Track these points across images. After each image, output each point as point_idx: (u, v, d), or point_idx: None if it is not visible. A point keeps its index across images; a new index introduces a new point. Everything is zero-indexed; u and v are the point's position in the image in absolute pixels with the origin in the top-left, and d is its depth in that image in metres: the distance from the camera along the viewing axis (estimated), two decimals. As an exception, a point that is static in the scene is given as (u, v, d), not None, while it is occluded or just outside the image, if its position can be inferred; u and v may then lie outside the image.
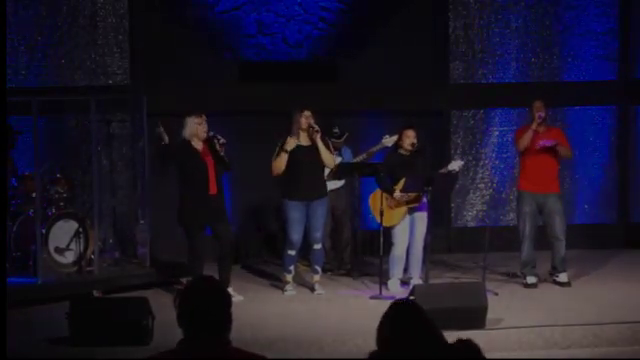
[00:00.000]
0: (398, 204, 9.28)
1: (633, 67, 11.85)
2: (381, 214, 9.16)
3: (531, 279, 9.52)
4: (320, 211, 9.28)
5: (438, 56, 11.72)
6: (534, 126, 9.39)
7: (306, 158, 9.16)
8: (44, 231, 9.19)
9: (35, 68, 10.93)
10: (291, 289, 9.37)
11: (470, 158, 11.59)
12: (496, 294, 8.97)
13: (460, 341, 3.80)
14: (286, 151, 9.08)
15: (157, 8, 11.23)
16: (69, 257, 9.46)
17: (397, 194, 9.22)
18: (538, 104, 9.46)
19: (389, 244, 9.41)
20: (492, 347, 7.49)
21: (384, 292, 9.14)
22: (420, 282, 9.11)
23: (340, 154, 10.20)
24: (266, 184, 10.49)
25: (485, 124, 11.80)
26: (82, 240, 9.45)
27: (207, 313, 3.47)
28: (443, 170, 9.45)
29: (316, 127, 9.13)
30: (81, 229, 9.46)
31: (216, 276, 8.60)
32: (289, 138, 9.10)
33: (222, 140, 8.83)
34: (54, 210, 9.46)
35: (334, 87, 11.38)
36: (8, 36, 10.49)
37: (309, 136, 9.18)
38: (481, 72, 11.73)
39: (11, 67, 10.64)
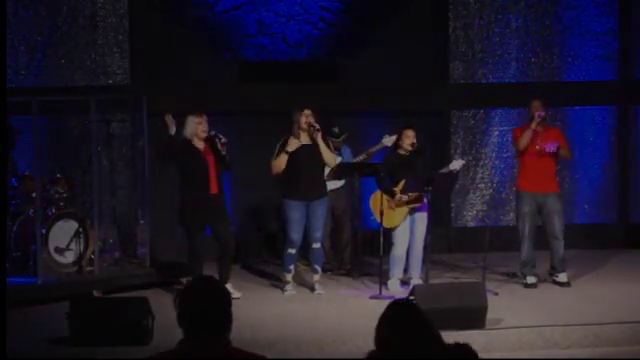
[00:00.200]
0: (399, 205, 9.28)
1: (633, 67, 11.85)
2: (381, 215, 9.16)
3: (531, 279, 9.52)
4: (320, 211, 9.28)
5: (438, 56, 11.72)
6: (533, 125, 9.38)
7: (306, 158, 9.16)
8: (44, 231, 9.19)
9: (35, 68, 10.93)
10: (291, 289, 9.37)
11: (470, 158, 11.59)
12: (496, 294, 8.97)
13: (458, 345, 3.82)
14: (287, 152, 9.08)
15: (157, 8, 11.24)
16: (69, 257, 9.46)
17: (398, 195, 9.22)
18: (537, 103, 9.46)
19: (389, 244, 9.41)
20: (492, 347, 7.50)
21: (384, 292, 9.13)
22: (420, 282, 9.11)
23: (340, 154, 10.20)
24: (266, 184, 10.49)
25: (485, 124, 11.80)
26: (82, 240, 9.45)
27: (207, 313, 3.47)
28: (444, 170, 9.46)
29: (317, 126, 9.13)
30: (81, 229, 9.46)
31: (216, 276, 8.62)
32: (292, 139, 9.10)
33: (223, 139, 8.83)
34: (54, 210, 9.46)
35: (334, 87, 11.39)
36: (8, 36, 10.49)
37: (309, 135, 9.19)
38: (481, 72, 11.73)
39: (11, 67, 10.64)
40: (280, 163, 9.14)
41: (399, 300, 4.08)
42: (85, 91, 10.56)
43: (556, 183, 9.70)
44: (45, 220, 9.26)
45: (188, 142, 8.89)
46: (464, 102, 11.73)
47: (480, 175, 11.77)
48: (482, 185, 11.78)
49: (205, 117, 8.90)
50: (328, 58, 11.53)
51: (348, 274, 10.21)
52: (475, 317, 7.70)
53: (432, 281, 9.06)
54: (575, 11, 11.76)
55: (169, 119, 8.84)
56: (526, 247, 9.52)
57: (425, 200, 9.17)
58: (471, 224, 11.77)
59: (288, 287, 9.37)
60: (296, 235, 9.21)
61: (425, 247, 9.24)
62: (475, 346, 3.91)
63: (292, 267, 9.39)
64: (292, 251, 9.27)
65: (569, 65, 11.81)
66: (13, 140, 9.71)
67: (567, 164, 11.28)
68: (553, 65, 11.79)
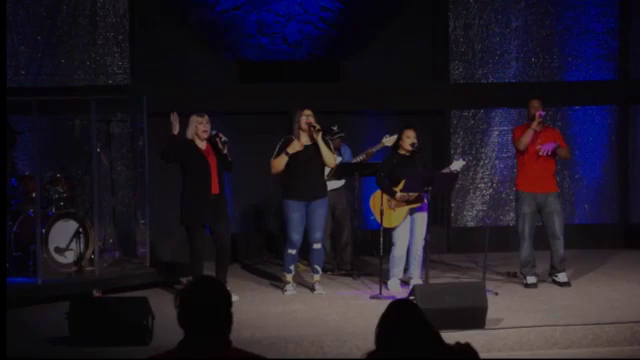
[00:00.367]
0: (399, 205, 9.28)
1: (633, 67, 11.85)
2: (381, 215, 9.17)
3: (531, 279, 9.52)
4: (320, 211, 9.28)
5: (438, 56, 11.72)
6: (534, 125, 9.37)
7: (306, 158, 9.16)
8: (44, 231, 9.19)
9: (35, 68, 10.93)
10: (291, 289, 9.37)
11: (470, 158, 11.59)
12: (496, 294, 8.97)
13: (459, 344, 3.83)
14: (287, 153, 9.08)
15: (157, 8, 11.24)
16: (69, 257, 9.47)
17: (398, 195, 9.22)
18: (536, 103, 9.45)
19: (389, 244, 9.41)
20: (492, 347, 7.51)
21: (384, 292, 9.14)
22: (420, 282, 9.11)
23: (340, 153, 10.21)
24: (266, 184, 10.51)
25: (485, 124, 11.80)
26: (82, 240, 9.46)
27: (207, 313, 3.47)
28: (445, 170, 9.46)
29: (317, 126, 9.13)
30: (81, 229, 9.46)
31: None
32: (295, 142, 9.09)
33: (224, 138, 8.84)
34: (54, 210, 9.47)
35: (334, 87, 11.39)
36: (8, 36, 10.49)
37: (310, 135, 9.19)
38: (481, 72, 11.73)
39: (11, 67, 10.64)
40: (279, 163, 9.14)
41: (399, 300, 4.09)
42: (85, 91, 10.56)
43: (556, 183, 9.70)
44: (45, 220, 9.26)
45: (190, 142, 8.90)
46: (464, 102, 11.73)
47: (480, 175, 11.77)
48: (482, 185, 11.78)
49: (207, 117, 8.91)
50: (328, 58, 11.53)
51: (348, 274, 10.21)
52: (475, 317, 7.70)
53: (432, 281, 9.06)
54: (575, 11, 11.76)
55: (174, 118, 8.83)
56: (526, 247, 9.52)
57: (425, 200, 9.17)
58: (471, 224, 11.77)
59: (288, 287, 9.37)
60: (296, 235, 9.22)
61: (425, 247, 9.24)
62: (475, 346, 3.92)
63: (292, 267, 9.39)
64: (292, 251, 9.28)
65: (569, 65, 11.81)
66: (13, 140, 9.71)
67: (567, 164, 11.28)
68: (553, 65, 11.79)
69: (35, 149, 9.35)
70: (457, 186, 10.78)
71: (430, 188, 8.91)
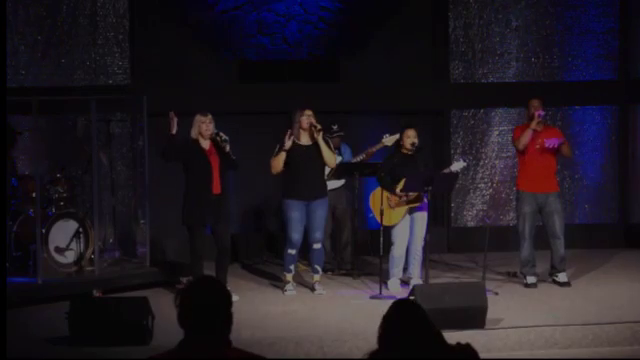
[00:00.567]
0: (399, 204, 9.28)
1: (633, 67, 11.84)
2: (381, 213, 9.17)
3: (531, 279, 9.52)
4: (320, 211, 9.29)
5: (438, 56, 11.72)
6: (533, 125, 9.38)
7: (306, 158, 9.17)
8: (44, 231, 9.19)
9: (35, 68, 10.92)
10: (291, 289, 9.37)
11: (470, 158, 11.58)
12: (496, 294, 8.97)
13: (459, 345, 3.83)
14: (284, 150, 9.09)
15: (157, 8, 11.23)
16: (69, 257, 9.47)
17: (398, 194, 9.23)
18: (536, 102, 9.45)
19: (389, 244, 9.41)
20: (492, 347, 7.51)
21: (384, 292, 9.14)
22: (420, 282, 9.11)
23: (340, 153, 10.21)
24: (266, 184, 10.51)
25: (485, 124, 11.79)
26: (82, 240, 9.46)
27: (207, 313, 3.47)
28: (445, 171, 9.46)
29: (319, 126, 9.14)
30: (81, 229, 9.47)
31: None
32: (286, 138, 9.10)
33: (224, 137, 8.86)
34: (54, 210, 9.46)
35: (334, 87, 11.38)
36: (8, 36, 10.49)
37: (310, 135, 9.19)
38: (481, 72, 11.73)
39: (11, 67, 10.63)
40: (278, 162, 9.15)
41: (402, 300, 4.09)
42: (85, 91, 10.55)
43: (556, 183, 9.70)
44: (45, 220, 9.26)
45: (194, 142, 8.91)
46: (464, 102, 11.73)
47: (480, 175, 11.77)
48: (482, 185, 11.78)
49: (210, 117, 8.93)
50: (328, 58, 11.52)
51: (348, 274, 10.21)
52: (475, 317, 7.70)
53: (432, 281, 9.06)
54: (575, 11, 11.76)
55: (172, 117, 8.83)
56: (526, 247, 9.52)
57: (425, 200, 9.17)
58: (471, 224, 11.77)
59: (288, 287, 9.37)
60: (296, 235, 9.22)
61: (425, 247, 9.24)
62: (475, 346, 3.92)
63: (292, 267, 9.39)
64: (292, 251, 9.28)
65: (569, 65, 11.80)
66: (13, 140, 9.71)
67: (567, 164, 11.27)
68: (553, 65, 11.78)
69: (35, 149, 9.34)
70: (457, 186, 10.78)
71: (430, 188, 8.91)
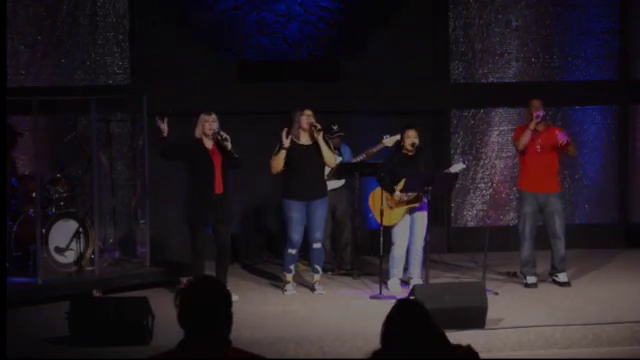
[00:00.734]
0: (398, 204, 9.29)
1: (633, 67, 11.84)
2: (381, 213, 9.17)
3: (531, 279, 9.52)
4: (320, 211, 9.29)
5: (438, 56, 11.71)
6: (532, 126, 9.38)
7: (306, 158, 9.17)
8: (44, 231, 9.19)
9: (35, 68, 10.92)
10: (291, 289, 9.37)
11: (470, 158, 11.58)
12: (496, 294, 8.97)
13: (460, 346, 3.84)
14: (284, 148, 9.09)
15: (157, 8, 11.23)
16: (69, 257, 9.47)
17: (397, 194, 9.23)
18: (537, 103, 9.44)
19: (389, 244, 9.41)
20: (492, 347, 7.51)
21: (384, 292, 9.15)
22: (420, 282, 9.11)
23: (340, 153, 10.21)
24: (266, 184, 10.51)
25: (485, 124, 11.79)
26: (82, 240, 9.46)
27: (207, 313, 3.47)
28: (445, 171, 9.46)
29: (319, 126, 9.14)
30: (81, 229, 9.47)
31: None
32: (284, 136, 9.09)
33: (225, 135, 8.86)
34: (54, 210, 9.46)
35: (334, 87, 11.38)
36: (8, 36, 10.49)
37: (310, 135, 9.19)
38: (481, 72, 11.73)
39: (11, 67, 10.63)
40: (278, 161, 9.15)
41: (406, 299, 4.10)
42: (85, 91, 10.55)
43: (557, 183, 9.70)
44: (45, 220, 9.26)
45: (198, 141, 8.92)
46: (464, 102, 11.73)
47: (480, 175, 11.77)
48: (482, 185, 11.78)
49: (214, 116, 8.94)
50: (328, 58, 11.52)
51: (348, 274, 10.21)
52: (475, 317, 7.70)
53: (432, 281, 9.06)
54: (575, 11, 11.75)
55: (160, 123, 8.84)
56: (527, 247, 9.52)
57: (425, 200, 9.17)
58: (471, 224, 11.76)
59: (288, 287, 9.38)
60: (296, 235, 9.22)
61: (425, 247, 9.24)
62: (475, 346, 3.93)
63: (292, 267, 9.39)
64: (292, 251, 9.28)
65: (569, 65, 11.80)
66: (13, 140, 9.71)
67: (567, 164, 11.27)
68: (553, 65, 11.78)
69: (35, 149, 9.35)
70: (457, 186, 10.78)
71: (430, 188, 8.91)
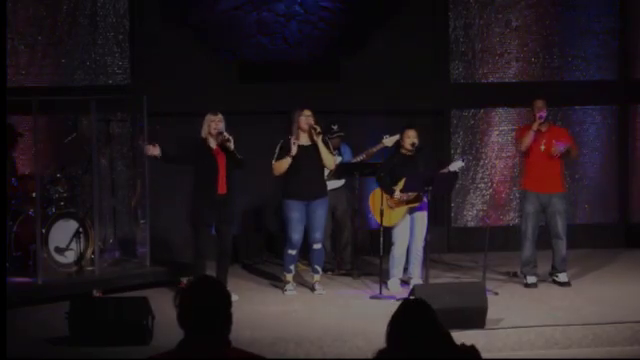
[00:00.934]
0: (398, 204, 9.29)
1: (633, 67, 11.84)
2: (381, 214, 9.17)
3: (531, 279, 9.52)
4: (320, 211, 9.29)
5: (438, 56, 11.71)
6: (535, 127, 9.36)
7: (306, 158, 9.16)
8: (44, 231, 9.19)
9: (35, 68, 10.92)
10: (291, 289, 9.37)
11: (470, 158, 11.58)
12: (496, 294, 8.97)
13: (464, 345, 3.84)
14: (291, 156, 9.09)
15: (157, 8, 11.23)
16: (69, 257, 9.47)
17: (397, 194, 9.23)
18: (540, 104, 9.42)
19: (389, 244, 9.41)
20: (492, 347, 7.51)
21: (384, 292, 9.15)
22: (420, 282, 9.11)
23: (340, 153, 10.21)
24: (266, 184, 10.50)
25: (485, 124, 11.79)
26: (82, 240, 9.46)
27: (207, 313, 3.47)
28: (444, 170, 9.46)
29: (318, 128, 9.14)
30: (81, 229, 9.46)
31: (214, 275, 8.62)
32: (292, 144, 9.07)
33: (227, 136, 8.86)
34: (54, 210, 9.46)
35: (334, 87, 11.38)
36: (8, 36, 10.49)
37: (309, 135, 9.19)
38: (481, 72, 11.73)
39: (11, 67, 10.63)
40: (282, 166, 9.15)
41: (411, 299, 4.10)
42: (85, 91, 10.55)
43: (561, 183, 9.68)
44: (45, 220, 9.26)
45: (203, 141, 8.93)
46: (464, 102, 11.73)
47: (480, 175, 11.77)
48: (482, 185, 11.78)
49: (220, 116, 8.95)
50: (328, 58, 11.52)
51: (348, 274, 10.21)
52: (475, 317, 7.70)
53: (432, 281, 9.06)
54: (575, 11, 11.75)
55: (149, 148, 8.86)
56: (527, 247, 9.52)
57: (425, 200, 9.17)
58: (471, 224, 11.77)
59: (288, 287, 9.38)
60: (296, 235, 9.22)
61: (425, 247, 9.24)
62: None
63: (292, 267, 9.39)
64: (292, 251, 9.28)
65: (569, 65, 11.80)
66: (13, 140, 9.71)
67: (567, 164, 11.24)
68: (553, 65, 11.78)
69: (35, 149, 9.35)
70: (457, 186, 10.78)
71: (430, 188, 8.91)
